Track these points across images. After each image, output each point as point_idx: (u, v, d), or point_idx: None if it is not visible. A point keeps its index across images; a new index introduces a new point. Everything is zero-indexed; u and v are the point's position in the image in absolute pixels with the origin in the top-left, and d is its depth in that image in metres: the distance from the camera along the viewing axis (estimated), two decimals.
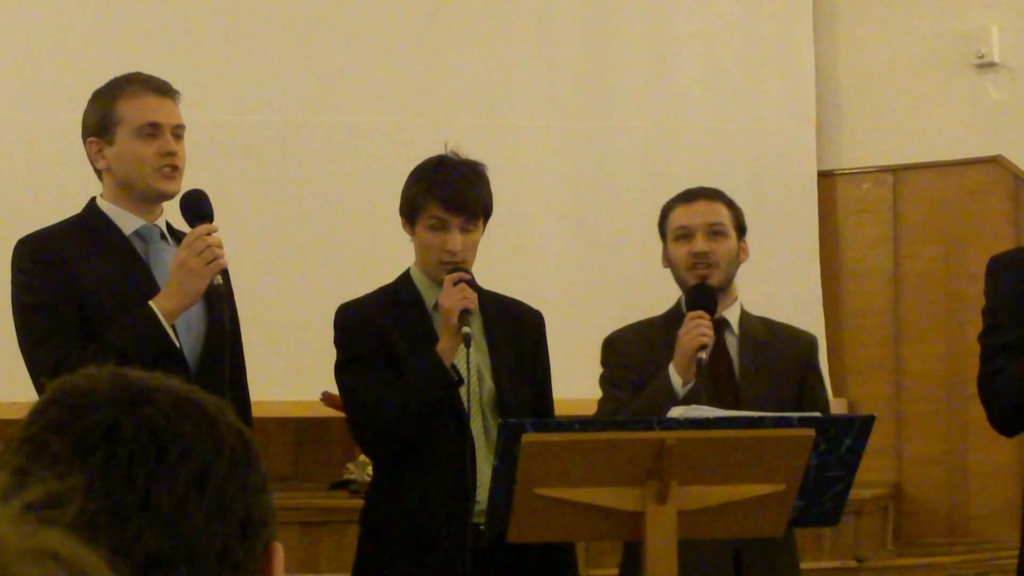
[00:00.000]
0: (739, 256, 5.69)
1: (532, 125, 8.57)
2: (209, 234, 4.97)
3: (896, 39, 8.86)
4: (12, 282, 5.08)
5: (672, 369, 5.34)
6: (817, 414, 5.15)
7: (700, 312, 5.35)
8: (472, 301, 5.22)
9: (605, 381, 5.71)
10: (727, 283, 5.65)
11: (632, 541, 5.54)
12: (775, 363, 5.66)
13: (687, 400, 5.26)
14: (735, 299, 5.73)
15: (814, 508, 5.12)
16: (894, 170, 8.84)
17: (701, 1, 8.84)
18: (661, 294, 8.18)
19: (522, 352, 5.57)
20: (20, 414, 1.73)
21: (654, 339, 5.60)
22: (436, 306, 5.39)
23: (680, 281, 5.65)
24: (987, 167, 8.56)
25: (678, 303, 5.66)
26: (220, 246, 4.98)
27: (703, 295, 5.45)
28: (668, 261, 5.71)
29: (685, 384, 5.29)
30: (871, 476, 7.01)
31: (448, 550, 5.30)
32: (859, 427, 5.08)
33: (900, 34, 8.85)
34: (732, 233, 5.66)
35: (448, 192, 5.34)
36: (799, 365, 5.76)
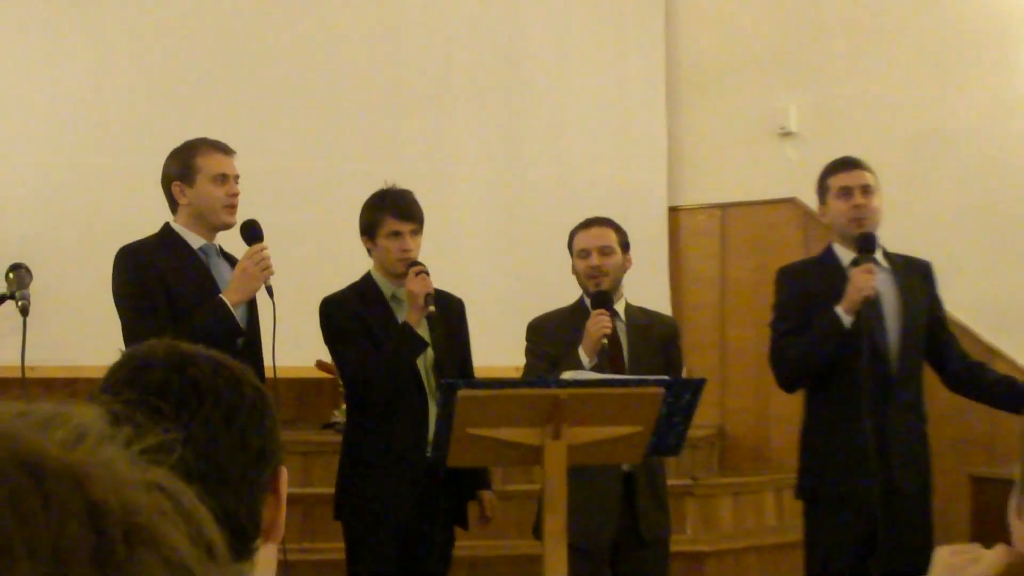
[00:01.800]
0: (624, 265, 5.81)
1: (468, 171, 8.58)
2: (263, 251, 5.19)
3: (723, 113, 8.91)
4: (114, 278, 5.21)
5: (581, 350, 5.44)
6: (666, 377, 5.21)
7: (602, 311, 5.48)
8: (431, 287, 5.37)
9: (529, 354, 5.79)
10: (615, 286, 5.75)
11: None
12: (651, 340, 5.79)
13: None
14: (622, 296, 5.83)
15: (663, 443, 5.19)
16: (721, 207, 8.89)
17: (589, 87, 8.85)
18: (557, 291, 8.22)
19: (451, 328, 5.62)
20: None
21: (566, 323, 5.69)
22: (392, 296, 5.55)
23: (582, 286, 5.77)
24: (785, 206, 8.62)
25: (581, 298, 5.79)
26: (270, 259, 5.18)
27: (603, 299, 5.57)
28: (574, 271, 5.81)
29: (591, 361, 5.39)
30: (703, 420, 7.05)
31: (413, 469, 5.36)
32: (695, 387, 5.17)
33: (726, 109, 8.89)
34: (618, 250, 5.77)
35: (400, 209, 5.52)
36: (667, 341, 5.89)
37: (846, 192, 5.67)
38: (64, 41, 8.00)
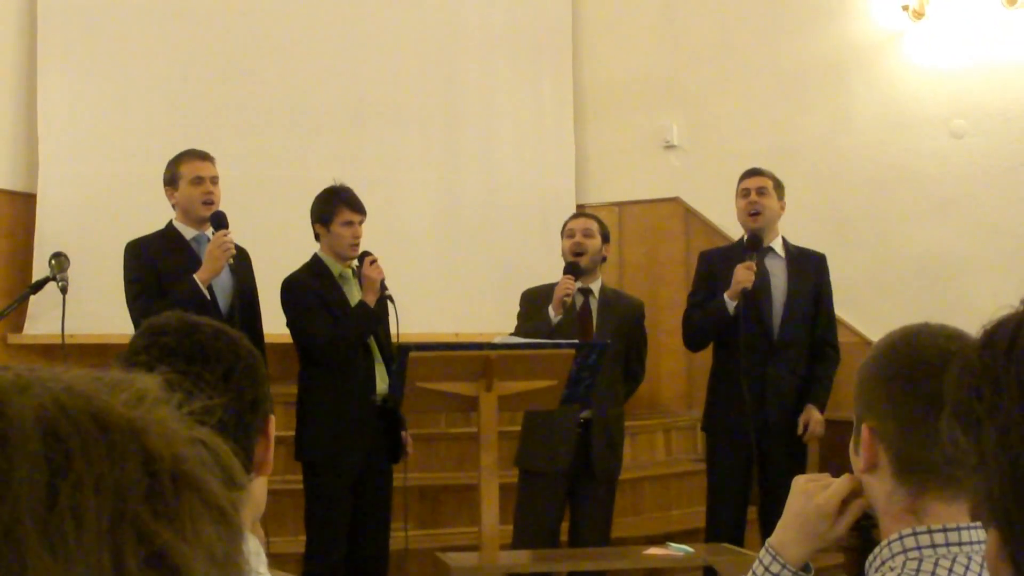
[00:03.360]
0: (601, 251, 5.92)
1: (413, 176, 8.57)
2: (225, 236, 5.24)
3: (620, 128, 8.93)
4: (124, 266, 5.30)
5: (550, 307, 5.58)
6: (576, 341, 5.25)
7: (569, 276, 5.64)
8: (383, 273, 5.42)
9: (519, 316, 5.89)
10: (593, 266, 5.86)
11: (528, 429, 5.83)
12: (617, 314, 5.85)
13: (558, 327, 5.52)
14: (598, 277, 5.95)
15: (574, 394, 5.22)
16: (619, 204, 8.91)
17: (511, 107, 8.85)
18: (484, 272, 8.22)
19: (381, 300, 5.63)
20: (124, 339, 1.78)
21: (550, 294, 5.74)
22: (340, 275, 5.58)
23: (566, 260, 5.85)
24: (670, 204, 8.67)
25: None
26: (232, 243, 5.25)
27: (573, 268, 5.72)
28: (563, 250, 5.89)
29: (556, 316, 5.48)
30: None
31: (362, 417, 5.38)
32: (599, 349, 5.18)
33: (622, 126, 8.91)
34: (598, 237, 5.89)
35: (353, 202, 5.57)
36: (634, 318, 5.99)
37: (745, 192, 5.96)
38: (96, 76, 7.96)
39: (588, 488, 5.74)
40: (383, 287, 5.40)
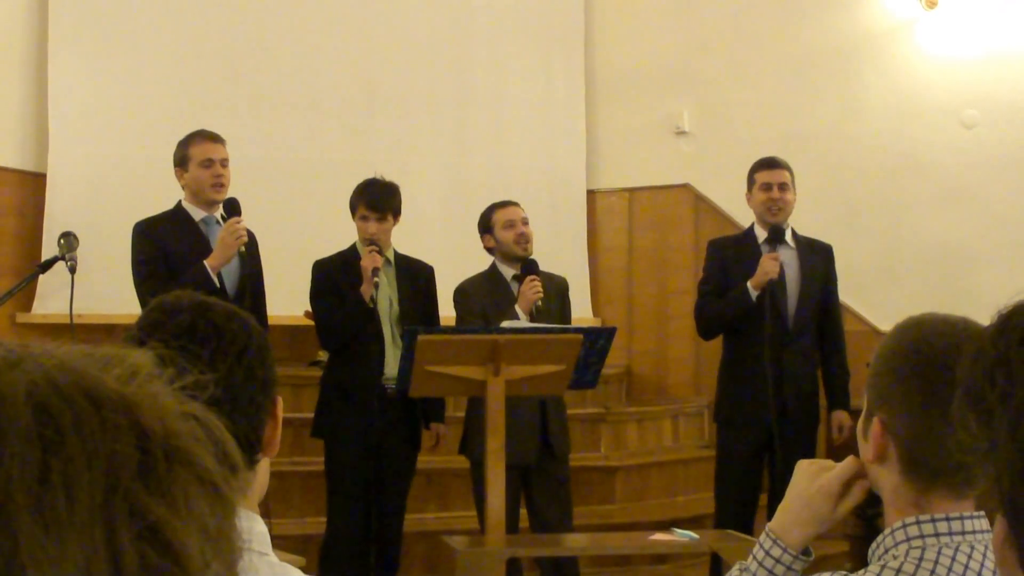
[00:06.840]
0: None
1: (424, 160, 8.56)
2: (238, 223, 5.21)
3: (631, 114, 8.90)
4: (132, 246, 5.30)
5: (518, 309, 5.53)
6: (585, 326, 5.26)
7: (534, 276, 5.58)
8: (378, 262, 5.49)
9: (465, 312, 5.81)
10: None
11: (475, 398, 5.71)
12: (551, 295, 5.78)
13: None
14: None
15: (582, 378, 5.21)
16: (629, 190, 8.90)
17: (522, 92, 8.83)
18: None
19: (418, 289, 5.71)
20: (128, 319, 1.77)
21: (484, 287, 5.76)
22: None
23: (505, 252, 5.82)
24: (680, 190, 8.65)
25: (493, 265, 5.85)
26: (244, 230, 5.23)
27: (533, 267, 5.66)
28: (496, 241, 5.84)
29: (526, 317, 5.46)
30: (613, 361, 7.06)
31: (369, 399, 5.42)
32: (607, 334, 5.19)
33: (633, 111, 8.89)
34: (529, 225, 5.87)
35: (370, 200, 5.61)
36: (561, 293, 5.94)
37: (767, 187, 5.90)
38: (107, 56, 7.99)
39: (549, 469, 5.73)
40: (375, 273, 5.45)
